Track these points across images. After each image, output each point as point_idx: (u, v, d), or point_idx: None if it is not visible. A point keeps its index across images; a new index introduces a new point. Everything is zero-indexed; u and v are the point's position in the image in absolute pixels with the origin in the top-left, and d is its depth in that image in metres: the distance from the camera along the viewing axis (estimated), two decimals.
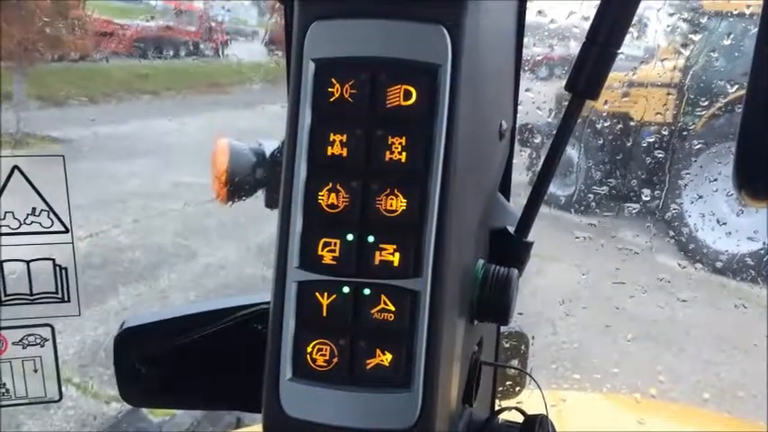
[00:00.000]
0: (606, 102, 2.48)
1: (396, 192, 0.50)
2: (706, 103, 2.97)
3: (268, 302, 0.55)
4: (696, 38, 2.74)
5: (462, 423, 0.62)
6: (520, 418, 0.71)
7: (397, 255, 0.51)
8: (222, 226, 4.41)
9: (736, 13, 2.75)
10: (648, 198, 2.29)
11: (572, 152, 2.96)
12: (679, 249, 3.34)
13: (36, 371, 1.13)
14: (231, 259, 4.18)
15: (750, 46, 0.54)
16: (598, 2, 0.62)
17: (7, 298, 1.10)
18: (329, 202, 0.51)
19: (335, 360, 0.52)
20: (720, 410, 2.47)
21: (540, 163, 0.66)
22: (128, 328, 0.76)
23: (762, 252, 3.17)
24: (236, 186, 1.73)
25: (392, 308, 0.51)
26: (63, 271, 1.10)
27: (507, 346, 1.03)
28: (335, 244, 0.51)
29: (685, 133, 2.96)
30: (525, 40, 0.75)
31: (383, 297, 0.51)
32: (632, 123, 3.02)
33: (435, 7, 0.50)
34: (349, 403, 0.52)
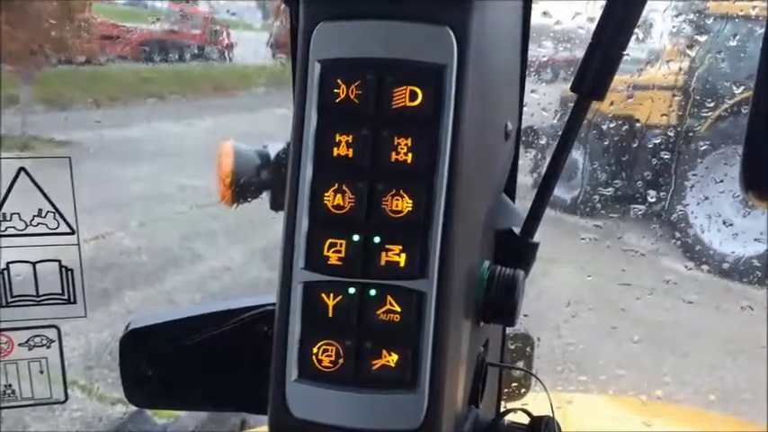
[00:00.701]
0: (612, 102, 2.48)
1: (402, 192, 0.50)
2: (712, 105, 2.96)
3: (273, 304, 0.55)
4: (702, 40, 2.73)
5: (468, 424, 0.62)
6: (526, 420, 0.71)
7: (403, 255, 0.51)
8: (228, 229, 4.41)
9: (741, 14, 2.74)
10: (654, 200, 2.29)
11: (577, 154, 2.96)
12: (685, 251, 3.33)
13: (42, 372, 1.13)
14: (236, 262, 4.18)
15: (755, 48, 0.54)
16: (603, 3, 0.62)
17: (13, 299, 1.10)
18: (335, 203, 0.51)
19: (341, 361, 0.52)
20: (726, 412, 2.46)
21: (546, 164, 0.66)
22: (133, 330, 0.76)
23: None
24: (241, 188, 1.73)
25: (398, 309, 0.51)
26: (69, 272, 1.10)
27: (512, 347, 1.03)
28: (341, 245, 0.51)
29: (691, 134, 2.95)
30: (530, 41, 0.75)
31: (389, 298, 0.51)
32: (638, 125, 3.01)
33: (441, 8, 0.50)
34: (355, 404, 0.52)
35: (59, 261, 1.09)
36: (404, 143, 0.50)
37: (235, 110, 5.67)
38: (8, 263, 1.09)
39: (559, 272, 3.04)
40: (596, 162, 3.05)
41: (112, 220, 4.46)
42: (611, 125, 2.87)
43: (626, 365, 2.49)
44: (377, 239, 0.51)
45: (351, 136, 0.50)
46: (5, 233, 1.04)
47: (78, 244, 1.07)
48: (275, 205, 1.73)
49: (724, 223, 3.00)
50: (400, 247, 0.51)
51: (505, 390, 0.98)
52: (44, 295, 1.10)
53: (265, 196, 1.77)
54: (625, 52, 0.62)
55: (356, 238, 0.51)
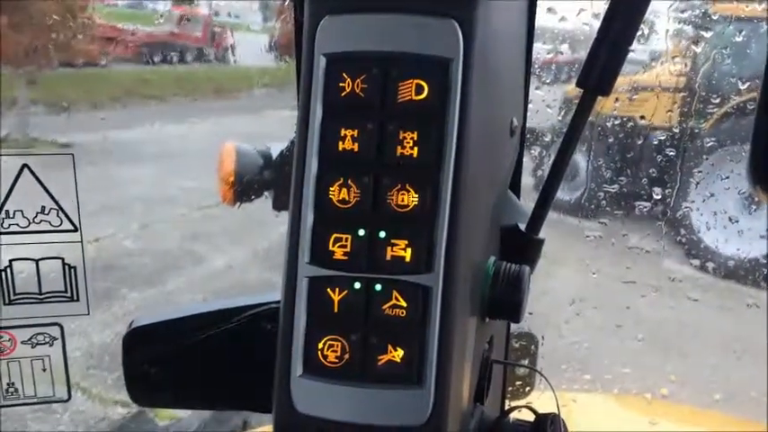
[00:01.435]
0: (617, 99, 2.48)
1: (407, 187, 0.50)
2: (717, 102, 2.96)
3: (277, 302, 0.55)
4: (706, 37, 2.73)
5: (474, 421, 0.62)
6: (531, 418, 0.70)
7: (408, 250, 0.50)
8: (229, 230, 4.42)
9: (745, 15, 2.75)
10: (659, 197, 2.28)
11: (581, 153, 2.96)
12: (690, 249, 3.32)
13: (45, 370, 1.13)
14: (237, 263, 4.18)
15: (760, 45, 0.53)
16: None
17: (16, 297, 1.10)
18: (340, 198, 0.51)
19: (347, 356, 0.51)
20: (732, 411, 2.45)
21: (551, 160, 0.66)
22: (136, 328, 0.75)
23: None
24: (244, 188, 1.73)
25: (404, 303, 0.50)
26: (72, 270, 1.10)
27: (517, 346, 1.03)
28: (347, 239, 0.51)
29: (696, 132, 2.95)
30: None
31: (395, 293, 0.50)
32: (642, 123, 3.01)
33: (447, 1, 0.50)
34: (360, 400, 0.51)
35: (62, 259, 1.08)
36: (409, 137, 0.50)
37: (236, 111, 5.67)
38: (11, 260, 1.09)
39: (563, 270, 3.03)
40: (600, 160, 3.04)
41: (114, 222, 4.46)
42: (616, 123, 2.87)
43: (631, 364, 2.49)
44: (382, 234, 0.50)
45: (356, 130, 0.50)
46: (8, 230, 1.04)
47: (81, 241, 1.07)
48: (278, 205, 1.73)
49: (730, 220, 2.99)
50: (406, 242, 0.50)
51: (510, 388, 0.98)
52: (47, 293, 1.10)
53: (267, 196, 1.77)
54: (631, 47, 0.62)
55: (362, 232, 0.51)
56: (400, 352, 0.51)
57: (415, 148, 0.50)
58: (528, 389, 1.06)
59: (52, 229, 1.04)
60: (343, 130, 0.50)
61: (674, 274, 2.53)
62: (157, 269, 4.06)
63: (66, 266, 1.09)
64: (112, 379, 2.81)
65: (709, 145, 3.06)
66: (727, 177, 2.83)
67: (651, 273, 2.50)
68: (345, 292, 0.51)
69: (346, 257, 0.51)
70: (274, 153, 1.78)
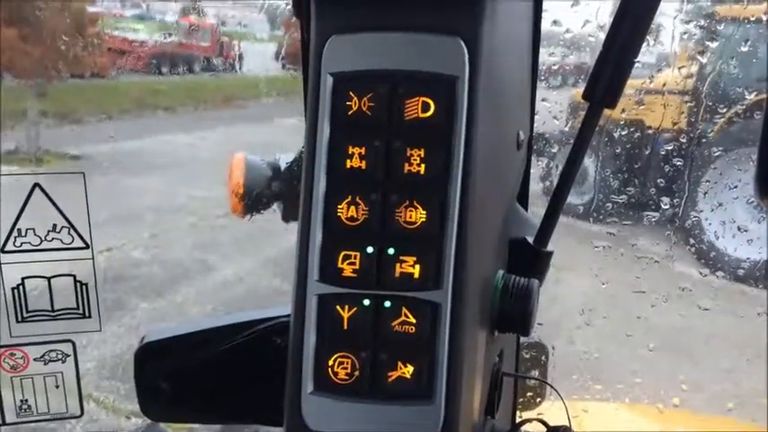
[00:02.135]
0: (624, 110, 2.47)
1: (415, 203, 0.50)
2: (724, 110, 2.94)
3: (287, 315, 0.55)
4: (712, 45, 2.72)
5: None
6: (542, 430, 0.70)
7: (417, 267, 0.50)
8: (239, 239, 4.42)
9: (753, 19, 2.73)
10: (668, 206, 2.27)
11: (589, 161, 2.95)
12: (699, 257, 3.30)
13: (57, 386, 1.14)
14: (247, 273, 4.19)
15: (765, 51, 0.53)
16: (614, 11, 0.62)
17: (29, 314, 1.11)
18: (349, 215, 0.51)
19: (357, 373, 0.51)
20: (745, 419, 2.43)
21: (558, 172, 0.66)
22: (148, 343, 0.75)
23: None
24: (253, 200, 1.74)
25: (413, 320, 0.50)
26: (84, 287, 1.10)
27: (527, 357, 1.03)
28: (355, 256, 0.51)
29: (704, 140, 2.93)
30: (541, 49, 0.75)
31: (404, 309, 0.51)
32: (649, 131, 2.99)
33: (452, 19, 0.50)
34: (371, 416, 0.52)
35: (74, 276, 1.09)
36: (417, 154, 0.50)
37: (244, 120, 5.70)
38: (23, 278, 1.10)
39: (573, 279, 3.02)
40: (608, 169, 3.03)
41: (125, 232, 4.48)
42: (623, 132, 2.86)
43: (642, 373, 2.47)
44: (391, 251, 0.51)
45: (364, 148, 0.51)
46: (21, 248, 1.05)
47: (93, 258, 1.07)
48: (286, 217, 1.74)
49: (739, 229, 2.97)
50: (414, 259, 0.50)
51: (521, 399, 0.98)
52: (59, 310, 1.10)
53: (276, 208, 1.77)
54: (636, 60, 0.62)
55: (370, 249, 0.51)
56: (410, 368, 0.51)
57: (423, 165, 0.50)
58: (539, 400, 1.05)
59: (64, 246, 1.05)
60: (350, 147, 0.51)
61: (684, 282, 2.51)
62: (167, 279, 4.07)
63: (78, 283, 1.10)
64: (125, 389, 2.82)
65: (716, 154, 3.05)
66: (735, 187, 2.81)
67: (661, 281, 2.49)
68: (355, 309, 0.51)
69: (355, 275, 0.51)
70: (283, 164, 1.78)
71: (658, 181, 2.55)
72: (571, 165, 0.64)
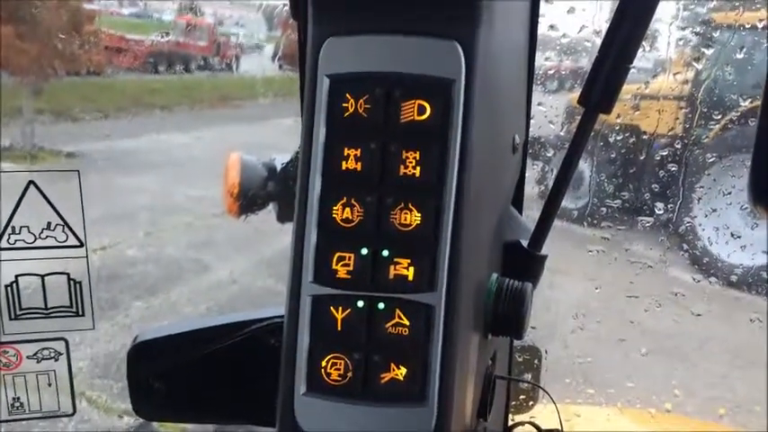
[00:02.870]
0: (619, 116, 2.47)
1: (410, 206, 0.50)
2: (719, 116, 2.95)
3: (281, 316, 0.55)
4: (708, 51, 2.73)
5: None
6: None
7: (411, 269, 0.51)
8: (234, 238, 4.41)
9: (748, 26, 2.74)
10: (662, 212, 2.28)
11: (583, 165, 2.95)
12: (693, 263, 3.31)
13: (50, 384, 1.13)
14: (242, 273, 4.18)
15: (762, 58, 0.53)
16: (610, 17, 0.62)
17: (22, 312, 1.10)
18: (344, 217, 0.51)
19: (350, 374, 0.52)
20: (737, 425, 2.43)
21: (553, 177, 0.66)
22: (141, 342, 0.75)
23: None
24: (248, 200, 1.73)
25: (406, 322, 0.51)
26: (77, 285, 1.10)
27: (520, 360, 1.03)
28: (350, 258, 0.51)
29: (697, 148, 2.94)
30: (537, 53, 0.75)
31: (397, 311, 0.51)
32: (644, 137, 3.00)
33: (449, 23, 0.50)
34: (364, 418, 0.52)
35: (68, 274, 1.09)
36: (412, 157, 0.50)
37: (240, 120, 5.69)
38: (17, 276, 1.09)
39: (566, 283, 3.02)
40: (603, 173, 3.04)
41: (119, 231, 4.47)
42: (618, 137, 2.86)
43: (634, 378, 2.48)
44: (385, 253, 0.51)
45: (359, 150, 0.51)
46: (15, 246, 1.04)
47: (87, 257, 1.07)
48: (281, 217, 1.73)
49: (732, 235, 2.98)
50: (408, 261, 0.51)
51: (513, 402, 0.98)
52: (52, 308, 1.10)
53: (272, 208, 1.77)
54: (632, 65, 0.62)
55: (365, 251, 0.51)
56: (403, 370, 0.51)
57: (418, 168, 0.50)
58: (531, 403, 1.06)
59: (58, 244, 1.05)
60: (346, 149, 0.51)
61: (678, 287, 2.52)
62: (162, 278, 4.06)
63: (72, 282, 1.10)
64: (117, 388, 2.81)
65: (710, 160, 3.05)
66: (729, 193, 2.82)
67: (655, 286, 2.49)
68: (348, 310, 0.51)
69: (349, 276, 0.51)
70: (279, 165, 1.78)
71: (653, 186, 2.56)
72: (566, 169, 0.65)
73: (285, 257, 0.54)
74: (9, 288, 1.09)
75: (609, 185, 2.93)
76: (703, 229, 3.19)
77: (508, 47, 0.62)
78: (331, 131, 0.52)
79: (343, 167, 0.51)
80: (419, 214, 0.50)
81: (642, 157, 3.05)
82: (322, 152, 0.52)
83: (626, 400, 2.21)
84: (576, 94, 0.65)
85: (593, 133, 0.66)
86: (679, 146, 2.62)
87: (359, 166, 0.51)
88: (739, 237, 2.98)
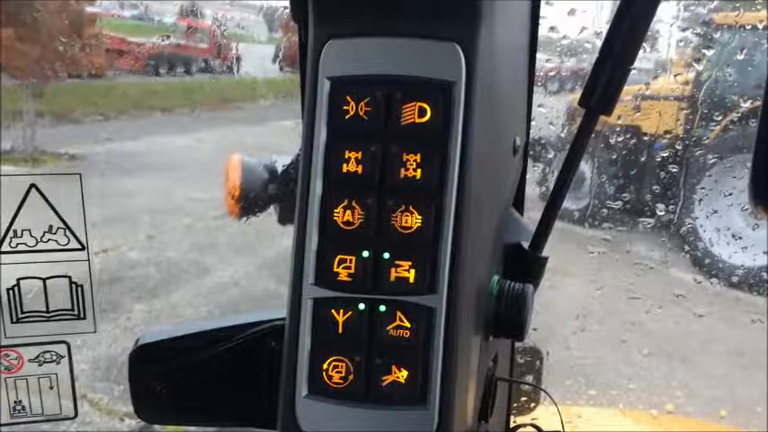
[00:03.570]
0: (619, 117, 2.47)
1: (411, 208, 0.50)
2: (719, 117, 2.94)
3: (282, 318, 0.55)
4: (708, 52, 2.72)
5: None
6: None
7: (412, 271, 0.50)
8: (235, 240, 4.41)
9: (749, 27, 2.74)
10: (663, 213, 2.27)
11: (584, 167, 2.95)
12: (694, 264, 3.30)
13: (52, 388, 1.13)
14: (243, 275, 4.18)
15: (763, 58, 0.53)
16: (611, 18, 0.62)
17: (24, 315, 1.10)
18: (345, 219, 0.51)
19: (351, 377, 0.52)
20: (738, 425, 2.43)
21: (554, 179, 0.66)
22: (143, 345, 0.75)
23: None
24: (249, 202, 1.73)
25: (408, 325, 0.50)
26: (79, 288, 1.10)
27: (522, 361, 1.03)
28: (351, 261, 0.51)
29: (698, 149, 2.93)
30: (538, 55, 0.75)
31: (399, 314, 0.51)
32: (645, 137, 3.00)
33: (449, 25, 0.50)
34: (365, 420, 0.52)
35: (69, 277, 1.09)
36: (413, 159, 0.50)
37: (242, 122, 5.69)
38: (18, 279, 1.09)
39: (568, 284, 3.02)
40: (604, 175, 3.03)
41: (121, 233, 4.47)
42: (619, 138, 2.86)
43: (636, 379, 2.47)
44: (386, 255, 0.51)
45: (360, 152, 0.51)
46: (16, 249, 1.04)
47: (89, 260, 1.07)
48: (283, 219, 1.73)
49: (733, 236, 2.97)
50: (410, 263, 0.50)
51: (515, 404, 0.98)
52: (54, 311, 1.10)
53: (273, 210, 1.77)
54: (632, 67, 0.62)
55: (366, 254, 0.51)
56: (404, 373, 0.51)
57: (419, 170, 0.50)
58: (533, 404, 1.05)
59: (60, 248, 1.04)
60: (347, 152, 0.51)
61: (679, 288, 2.51)
62: (163, 281, 4.06)
63: (74, 285, 1.09)
64: (119, 391, 2.81)
65: (711, 161, 3.05)
66: (730, 194, 2.82)
67: (656, 287, 2.49)
68: (350, 313, 0.51)
69: (350, 279, 0.51)
70: (279, 166, 1.78)
71: (654, 187, 2.56)
72: (567, 171, 0.64)
73: (286, 259, 0.54)
74: (11, 291, 1.09)
75: (610, 187, 2.93)
76: (705, 230, 3.18)
77: (509, 48, 0.62)
78: (332, 134, 0.51)
79: (344, 170, 0.51)
80: (420, 217, 0.50)
81: (643, 158, 3.04)
82: (323, 155, 0.52)
83: (627, 401, 2.20)
84: (577, 95, 0.64)
85: (593, 134, 0.66)
86: (680, 147, 2.62)
87: (360, 169, 0.51)
88: (740, 238, 2.98)
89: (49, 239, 1.04)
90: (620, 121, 2.62)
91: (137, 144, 5.54)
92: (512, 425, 0.85)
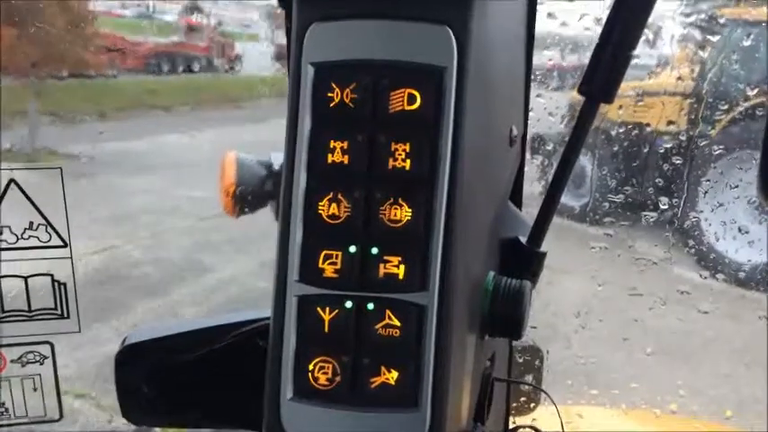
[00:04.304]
0: (621, 107, 2.45)
1: (400, 201, 0.48)
2: (725, 108, 2.92)
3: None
4: (713, 43, 2.71)
5: None
6: None
7: (402, 267, 0.48)
8: (235, 239, 4.42)
9: (752, 20, 2.72)
10: (666, 207, 2.25)
11: (585, 161, 2.93)
12: (699, 259, 3.27)
13: (35, 389, 1.11)
14: (245, 273, 4.18)
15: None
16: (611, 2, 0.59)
17: (5, 314, 1.08)
18: (330, 213, 0.49)
19: (338, 378, 0.49)
20: (743, 426, 2.40)
21: (554, 169, 0.64)
22: (129, 345, 0.74)
23: None
24: (245, 199, 1.72)
25: (397, 323, 0.48)
26: (62, 286, 1.08)
27: (521, 360, 1.00)
28: (337, 256, 0.49)
29: (703, 140, 2.91)
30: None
31: (388, 312, 0.48)
32: (649, 130, 2.98)
33: (440, 7, 0.48)
34: (353, 424, 0.50)
35: (52, 275, 1.06)
36: (402, 149, 0.48)
37: (242, 121, 5.70)
38: (0, 276, 1.07)
39: (568, 281, 3.00)
40: (605, 169, 3.01)
41: (122, 232, 4.49)
42: (621, 131, 2.84)
43: (638, 378, 2.45)
44: (375, 250, 0.49)
45: (346, 142, 0.48)
46: None
47: (71, 257, 1.04)
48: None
49: (740, 230, 2.94)
50: (399, 259, 0.48)
51: (514, 404, 0.96)
52: (36, 310, 1.08)
53: (270, 207, 1.75)
54: (634, 53, 0.60)
55: (353, 249, 0.49)
56: (394, 374, 0.49)
57: (408, 161, 0.48)
58: (533, 405, 1.03)
59: (41, 245, 1.02)
60: (332, 141, 0.48)
61: (683, 285, 2.49)
62: (165, 279, 4.07)
63: (56, 283, 1.07)
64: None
65: (717, 153, 3.03)
66: (737, 186, 2.79)
67: (659, 283, 2.46)
68: (336, 311, 0.49)
69: (337, 275, 0.49)
70: (276, 163, 1.76)
71: (657, 181, 2.53)
72: (566, 161, 0.62)
73: None
74: None
75: (611, 180, 2.91)
76: (710, 225, 3.16)
77: (504, 34, 0.59)
78: (316, 123, 0.49)
79: (329, 161, 0.49)
80: (410, 209, 0.48)
81: (646, 151, 3.02)
82: (307, 145, 0.49)
83: (630, 401, 2.18)
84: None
85: (594, 126, 0.63)
86: (684, 138, 2.60)
87: (346, 160, 0.48)
88: (747, 232, 2.95)
89: (29, 236, 1.02)
90: (620, 111, 2.59)
91: (137, 143, 5.55)
92: (511, 426, 0.83)
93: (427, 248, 0.48)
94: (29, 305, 1.07)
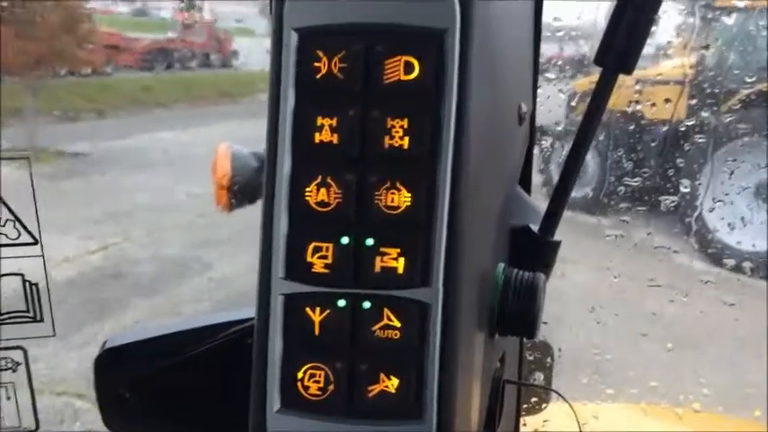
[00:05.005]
0: (619, 96, 2.40)
1: (398, 185, 0.43)
2: (728, 96, 2.90)
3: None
4: (711, 33, 2.68)
5: None
6: None
7: (401, 260, 0.43)
8: (236, 235, 4.43)
9: (752, 5, 2.69)
10: (679, 198, 2.21)
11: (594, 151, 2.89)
12: (715, 252, 3.23)
13: (9, 398, 1.06)
14: (247, 269, 4.20)
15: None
16: None
17: None
18: (319, 199, 0.44)
19: (331, 387, 0.45)
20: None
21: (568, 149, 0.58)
22: (109, 349, 0.70)
23: None
24: (239, 192, 1.68)
25: (397, 324, 0.44)
26: (34, 287, 1.02)
27: (531, 358, 0.96)
28: (328, 249, 0.44)
29: (711, 124, 2.88)
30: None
31: (386, 311, 0.44)
32: (650, 120, 2.95)
33: None
34: None
35: (22, 275, 1.01)
36: (399, 125, 0.43)
37: (240, 116, 5.72)
38: None
39: (581, 271, 2.97)
40: (621, 149, 2.98)
41: (122, 230, 4.52)
42: (622, 121, 2.81)
43: (658, 376, 2.40)
44: (370, 242, 0.44)
45: (335, 119, 0.43)
46: None
47: (43, 255, 0.99)
48: None
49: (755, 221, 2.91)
50: (398, 251, 0.43)
51: (524, 405, 0.91)
52: (6, 313, 1.03)
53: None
54: (656, 15, 0.54)
55: (345, 240, 0.44)
56: (395, 381, 0.44)
57: (406, 139, 0.43)
58: (544, 405, 0.98)
59: (9, 242, 0.97)
60: (319, 118, 0.43)
61: (707, 275, 2.44)
62: (166, 276, 4.09)
63: (27, 283, 1.02)
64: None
65: (724, 140, 3.00)
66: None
67: (680, 274, 2.42)
68: (328, 311, 0.44)
69: (328, 270, 0.44)
70: None
71: (678, 161, 2.49)
72: (582, 139, 0.57)
73: None
74: None
75: (627, 162, 2.86)
76: (723, 216, 3.12)
77: (510, 4, 0.54)
78: (301, 97, 0.44)
79: (317, 140, 0.43)
80: (409, 194, 0.43)
81: (652, 142, 2.98)
82: (291, 123, 0.44)
83: (649, 399, 2.14)
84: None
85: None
86: (692, 124, 2.56)
87: (335, 138, 0.43)
88: (762, 222, 2.92)
89: None
90: (619, 101, 2.56)
91: (136, 140, 5.57)
92: (521, 429, 0.79)
93: (429, 238, 0.43)
94: None
